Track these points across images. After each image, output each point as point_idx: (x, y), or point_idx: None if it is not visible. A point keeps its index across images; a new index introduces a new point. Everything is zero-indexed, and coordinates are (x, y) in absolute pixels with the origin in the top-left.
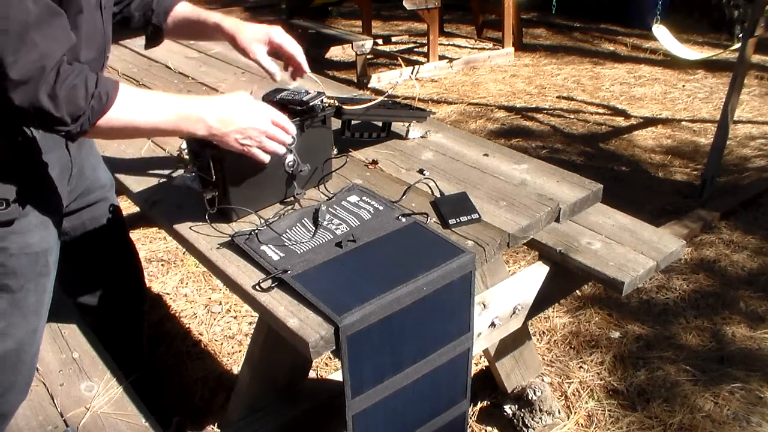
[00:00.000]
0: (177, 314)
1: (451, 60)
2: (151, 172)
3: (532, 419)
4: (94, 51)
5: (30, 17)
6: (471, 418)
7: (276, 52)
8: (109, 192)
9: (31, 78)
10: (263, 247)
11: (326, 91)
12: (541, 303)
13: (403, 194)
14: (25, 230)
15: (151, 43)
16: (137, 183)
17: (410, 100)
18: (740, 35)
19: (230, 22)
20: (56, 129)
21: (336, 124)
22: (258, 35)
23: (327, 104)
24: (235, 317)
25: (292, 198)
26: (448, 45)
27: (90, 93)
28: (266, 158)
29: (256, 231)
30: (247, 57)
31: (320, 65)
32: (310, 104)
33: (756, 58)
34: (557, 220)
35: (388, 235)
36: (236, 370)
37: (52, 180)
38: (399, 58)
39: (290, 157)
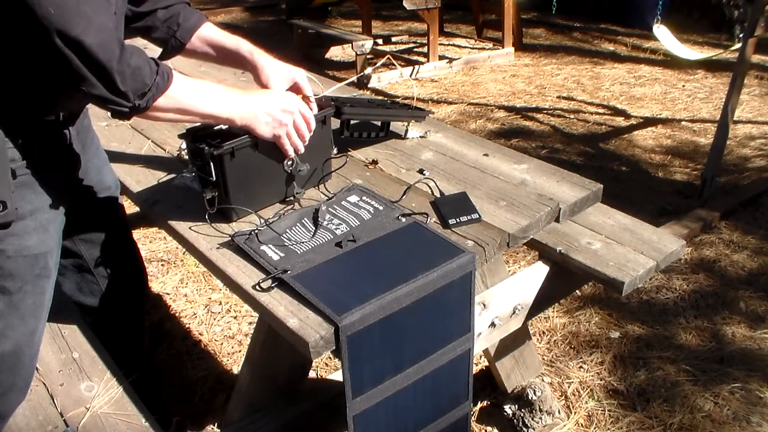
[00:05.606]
0: (177, 314)
1: (451, 60)
2: (151, 172)
3: (532, 419)
4: None
5: None
6: (471, 418)
7: (296, 92)
8: (114, 193)
9: (101, 45)
10: (263, 247)
11: (325, 92)
12: (541, 303)
13: (403, 194)
14: (22, 233)
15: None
16: (137, 183)
17: (410, 100)
18: (740, 35)
19: (259, 53)
20: (116, 102)
21: (335, 123)
22: (282, 72)
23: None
24: (235, 317)
25: (292, 198)
26: (448, 45)
27: (154, 70)
28: (291, 151)
29: (256, 231)
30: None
31: (320, 65)
32: None
33: (756, 58)
34: (557, 220)
35: (388, 235)
36: (236, 370)
37: (52, 183)
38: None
39: None
